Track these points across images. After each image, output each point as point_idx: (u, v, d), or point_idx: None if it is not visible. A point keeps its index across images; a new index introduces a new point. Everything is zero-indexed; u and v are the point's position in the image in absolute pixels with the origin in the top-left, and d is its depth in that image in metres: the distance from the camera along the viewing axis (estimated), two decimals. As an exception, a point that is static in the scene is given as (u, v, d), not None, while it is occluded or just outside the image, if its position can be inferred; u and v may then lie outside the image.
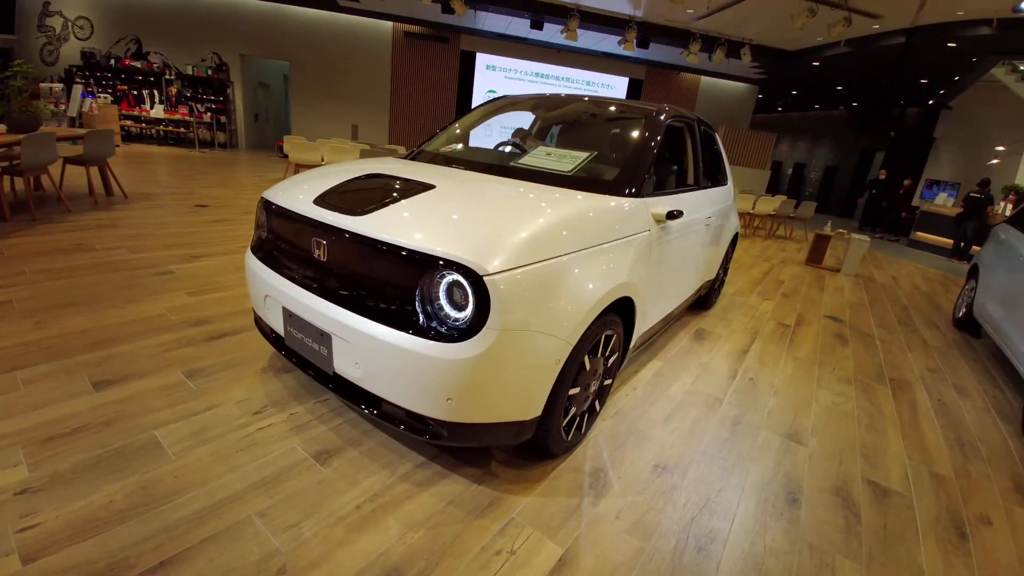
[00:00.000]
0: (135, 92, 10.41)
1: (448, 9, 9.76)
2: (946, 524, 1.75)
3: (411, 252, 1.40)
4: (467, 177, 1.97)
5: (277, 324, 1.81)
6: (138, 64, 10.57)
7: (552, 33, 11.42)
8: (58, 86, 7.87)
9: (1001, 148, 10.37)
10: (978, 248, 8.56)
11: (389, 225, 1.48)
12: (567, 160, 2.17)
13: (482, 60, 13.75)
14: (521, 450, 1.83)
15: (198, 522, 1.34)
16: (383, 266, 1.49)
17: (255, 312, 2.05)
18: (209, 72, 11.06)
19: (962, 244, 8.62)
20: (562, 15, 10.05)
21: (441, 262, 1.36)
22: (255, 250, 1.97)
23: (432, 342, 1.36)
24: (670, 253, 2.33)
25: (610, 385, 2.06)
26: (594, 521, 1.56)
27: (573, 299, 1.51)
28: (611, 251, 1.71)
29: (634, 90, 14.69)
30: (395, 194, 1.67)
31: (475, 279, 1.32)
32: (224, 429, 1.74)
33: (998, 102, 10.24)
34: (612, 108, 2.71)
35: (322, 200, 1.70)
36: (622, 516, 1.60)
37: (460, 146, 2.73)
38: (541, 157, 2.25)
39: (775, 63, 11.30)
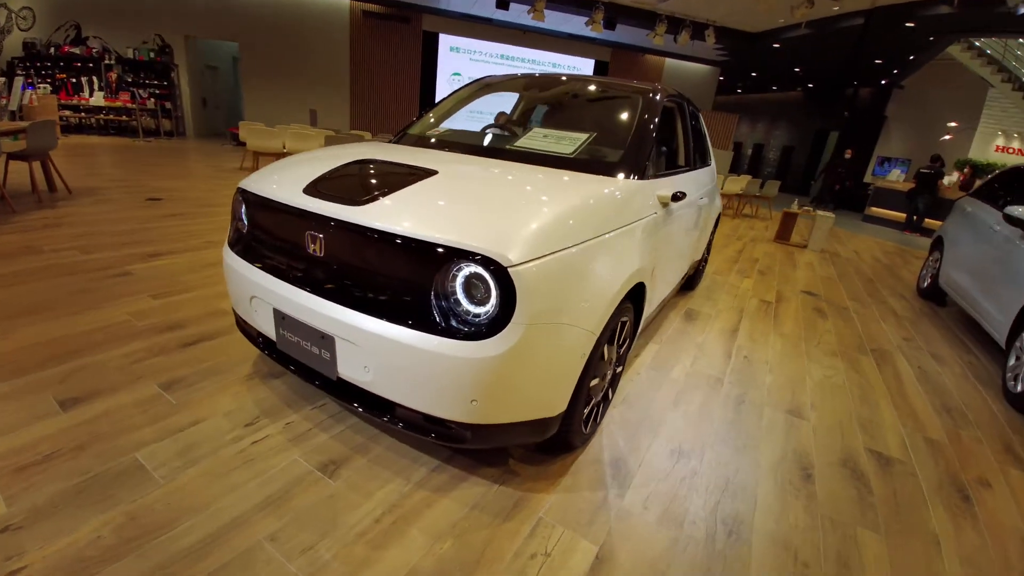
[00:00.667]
0: (74, 80, 9.52)
1: (408, -13, 9.34)
2: (949, 489, 1.82)
3: (425, 244, 1.28)
4: (468, 161, 1.85)
5: (267, 327, 1.66)
6: (76, 50, 9.66)
7: (518, 13, 11.16)
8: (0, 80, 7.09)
9: (953, 124, 10.96)
10: (931, 221, 9.10)
11: (396, 214, 1.35)
12: (566, 142, 2.07)
13: (445, 41, 13.33)
14: (539, 445, 1.76)
15: (201, 554, 1.21)
16: (392, 260, 1.37)
17: (237, 314, 1.87)
18: (151, 55, 10.22)
19: (915, 217, 9.11)
20: (528, -6, 9.83)
21: (460, 254, 1.25)
22: (234, 245, 1.79)
23: (454, 341, 1.26)
24: (670, 235, 2.29)
25: (621, 372, 2.01)
26: (623, 514, 1.51)
27: (597, 288, 1.43)
28: (627, 236, 1.65)
29: (600, 72, 14.63)
30: (396, 181, 1.54)
31: (499, 271, 1.22)
32: (214, 445, 1.59)
33: (950, 80, 10.81)
34: (605, 88, 2.62)
35: (314, 189, 1.54)
36: (649, 506, 1.56)
37: (447, 128, 2.58)
38: (538, 139, 2.15)
39: (738, 45, 11.48)
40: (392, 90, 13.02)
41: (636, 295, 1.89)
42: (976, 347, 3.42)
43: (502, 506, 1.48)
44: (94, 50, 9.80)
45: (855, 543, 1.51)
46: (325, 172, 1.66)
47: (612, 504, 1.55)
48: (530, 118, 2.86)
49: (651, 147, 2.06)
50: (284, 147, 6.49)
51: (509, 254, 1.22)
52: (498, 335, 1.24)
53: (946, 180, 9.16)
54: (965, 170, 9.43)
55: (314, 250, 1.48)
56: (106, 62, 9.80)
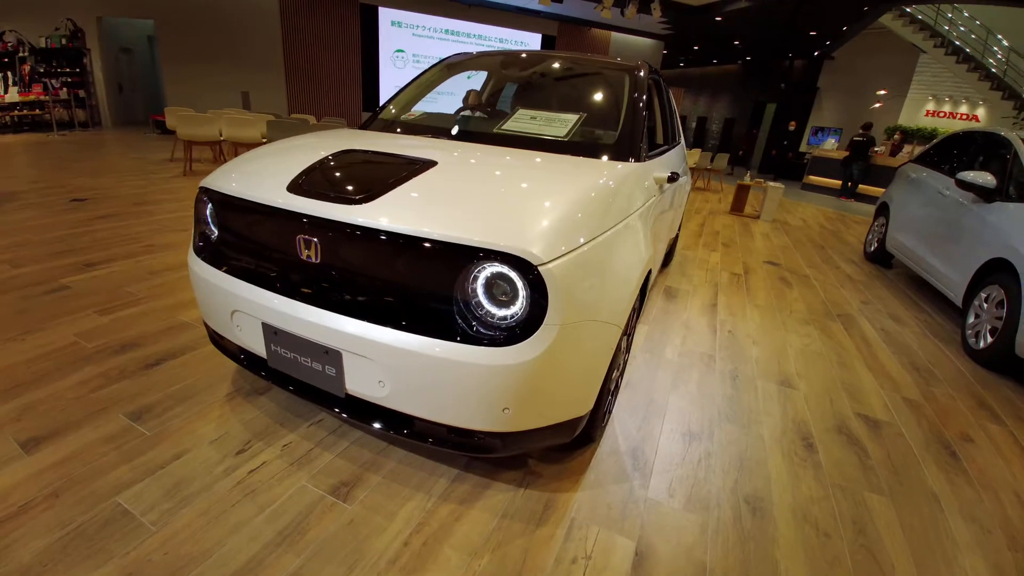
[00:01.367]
0: (-12, 78, 8.29)
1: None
2: (936, 447, 1.95)
3: (445, 245, 1.16)
4: (463, 149, 1.72)
5: (253, 344, 1.49)
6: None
7: (462, -14, 10.72)
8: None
9: (883, 92, 11.69)
10: (864, 187, 9.73)
11: (405, 213, 1.22)
12: (557, 124, 1.98)
13: (386, 15, 12.65)
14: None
15: (218, 607, 1.08)
16: (405, 264, 1.24)
17: (211, 329, 1.68)
18: (63, 41, 9.05)
19: (849, 184, 9.73)
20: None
21: (484, 254, 1.15)
22: (202, 253, 1.58)
23: (485, 348, 1.16)
24: (662, 217, 2.27)
25: (627, 360, 2.00)
26: (651, 505, 1.50)
27: (620, 279, 1.38)
28: (640, 221, 1.60)
29: (548, 46, 14.43)
30: (393, 174, 1.40)
31: (529, 270, 1.13)
32: (206, 480, 1.42)
33: (879, 49, 11.47)
34: (587, 65, 2.53)
35: (299, 186, 1.38)
36: (674, 493, 1.56)
37: (422, 112, 2.41)
38: (526, 121, 2.04)
39: (682, 18, 11.63)
40: (331, 69, 12.26)
41: (644, 280, 1.87)
42: (928, 306, 3.70)
43: (532, 511, 1.43)
44: (10, 44, 8.59)
45: (866, 508, 1.59)
46: (308, 166, 1.48)
47: (638, 495, 1.54)
48: (508, 98, 2.72)
49: (644, 127, 2.01)
50: (221, 135, 5.94)
51: (539, 252, 1.13)
52: (531, 338, 1.16)
53: (880, 148, 9.82)
54: (895, 136, 10.15)
55: (308, 256, 1.32)
56: (20, 55, 8.62)
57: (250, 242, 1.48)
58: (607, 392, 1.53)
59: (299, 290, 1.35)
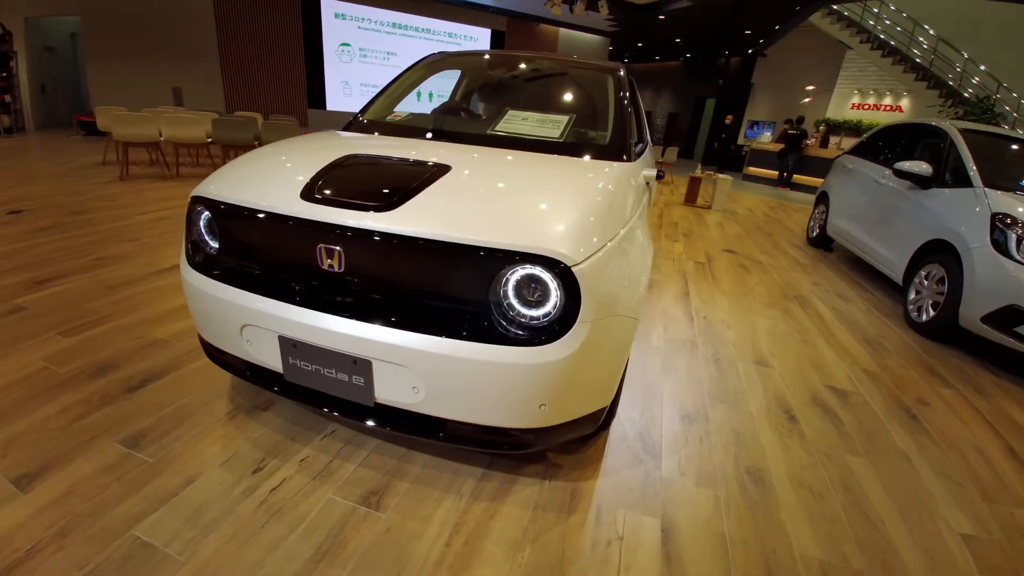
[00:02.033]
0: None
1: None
2: (898, 411, 2.19)
3: (478, 249, 1.19)
4: (469, 152, 1.73)
5: (267, 358, 1.44)
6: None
7: (409, -21, 10.49)
8: None
9: (811, 88, 12.61)
10: (799, 177, 10.48)
11: (435, 218, 1.23)
12: (549, 125, 2.03)
13: (329, 7, 12.17)
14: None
15: (274, 629, 1.05)
16: (437, 269, 1.25)
17: (211, 345, 1.60)
18: None
19: (785, 174, 10.47)
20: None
21: (518, 256, 1.18)
22: (200, 266, 1.51)
23: (521, 348, 1.20)
24: (647, 212, 2.38)
25: (626, 350, 2.09)
26: (666, 484, 1.60)
27: (635, 274, 1.45)
28: (640, 220, 1.68)
29: (497, 42, 14.44)
30: (410, 179, 1.39)
31: (562, 271, 1.18)
32: (227, 503, 1.37)
33: (808, 46, 12.32)
34: (569, 67, 2.59)
35: (314, 194, 1.34)
36: (685, 472, 1.67)
37: (407, 113, 2.38)
38: (517, 122, 2.07)
39: (627, 16, 11.98)
40: (272, 63, 11.65)
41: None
42: (869, 285, 4.09)
43: (560, 501, 1.49)
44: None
45: (849, 471, 1.77)
46: (317, 173, 1.45)
47: (653, 476, 1.63)
48: (490, 99, 2.73)
49: (631, 127, 2.10)
50: (161, 135, 5.52)
51: (571, 252, 1.18)
52: (567, 336, 1.21)
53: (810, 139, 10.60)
54: (820, 128, 11.00)
55: (331, 265, 1.30)
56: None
57: (262, 253, 1.43)
58: (622, 382, 1.61)
59: (321, 300, 1.32)
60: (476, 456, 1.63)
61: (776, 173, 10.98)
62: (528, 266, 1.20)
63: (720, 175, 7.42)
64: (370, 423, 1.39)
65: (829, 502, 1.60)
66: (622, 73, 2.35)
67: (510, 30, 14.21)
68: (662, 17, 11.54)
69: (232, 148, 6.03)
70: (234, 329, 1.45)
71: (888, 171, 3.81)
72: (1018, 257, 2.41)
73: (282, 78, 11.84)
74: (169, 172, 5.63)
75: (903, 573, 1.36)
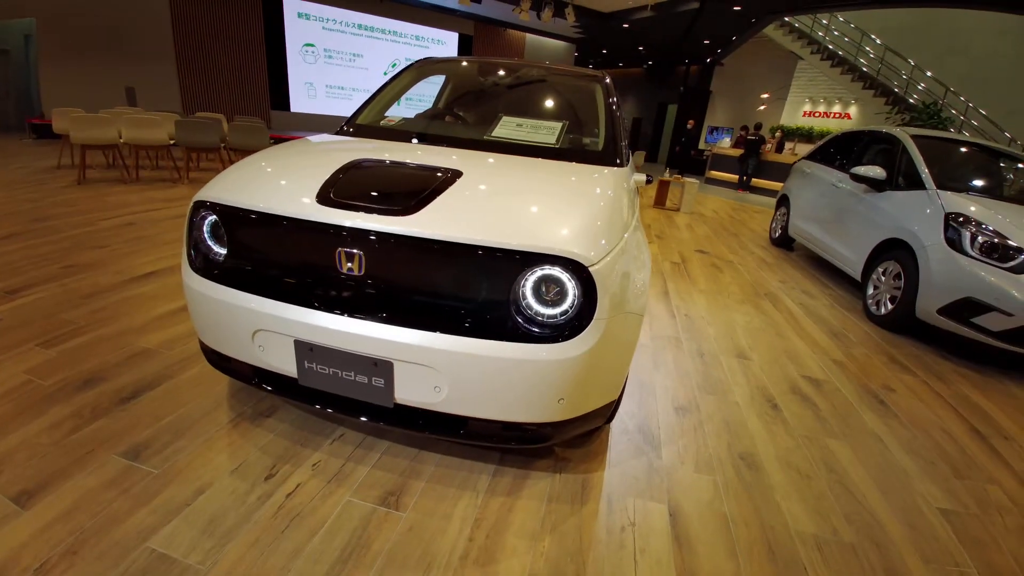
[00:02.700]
0: None
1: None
2: (867, 397, 2.37)
3: (499, 251, 1.23)
4: (475, 157, 1.77)
5: (280, 363, 1.43)
6: None
7: (378, -19, 10.39)
8: None
9: (766, 95, 13.27)
10: (757, 180, 11.00)
11: (456, 222, 1.27)
12: (544, 131, 2.10)
13: (291, 7, 11.89)
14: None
15: (312, 630, 1.06)
16: (459, 271, 1.29)
17: (212, 351, 1.58)
18: None
19: (745, 178, 10.98)
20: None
21: (537, 258, 1.24)
22: (206, 271, 1.48)
23: (542, 345, 1.25)
24: (635, 214, 2.49)
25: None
26: (669, 472, 1.69)
27: (640, 274, 1.53)
28: (637, 222, 1.77)
29: (465, 46, 14.49)
30: (425, 184, 1.43)
31: (579, 271, 1.24)
32: (242, 511, 1.35)
33: (762, 56, 12.96)
34: (556, 74, 2.67)
35: (331, 198, 1.36)
36: (684, 460, 1.76)
37: (401, 118, 2.39)
38: (512, 128, 2.13)
39: (592, 23, 12.29)
40: (231, 63, 11.27)
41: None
42: (830, 281, 4.37)
43: (572, 492, 1.55)
44: None
45: (830, 452, 1.91)
46: (330, 177, 1.46)
47: (656, 465, 1.72)
48: (480, 105, 2.77)
49: (622, 133, 2.19)
50: (120, 137, 5.26)
51: (589, 253, 1.25)
52: (584, 332, 1.27)
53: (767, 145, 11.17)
54: (776, 134, 11.62)
55: (350, 269, 1.31)
56: None
57: (276, 257, 1.43)
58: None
59: (340, 303, 1.34)
60: (487, 453, 1.67)
61: (736, 177, 11.49)
62: (547, 267, 1.26)
63: (687, 179, 7.72)
64: (389, 424, 1.41)
65: (816, 481, 1.73)
66: (608, 81, 2.45)
67: (478, 34, 14.29)
68: (626, 25, 11.90)
69: (195, 151, 5.82)
70: (244, 335, 1.44)
71: (845, 175, 4.09)
72: (972, 253, 2.66)
73: (243, 79, 11.46)
74: (128, 176, 5.37)
75: (890, 545, 1.49)
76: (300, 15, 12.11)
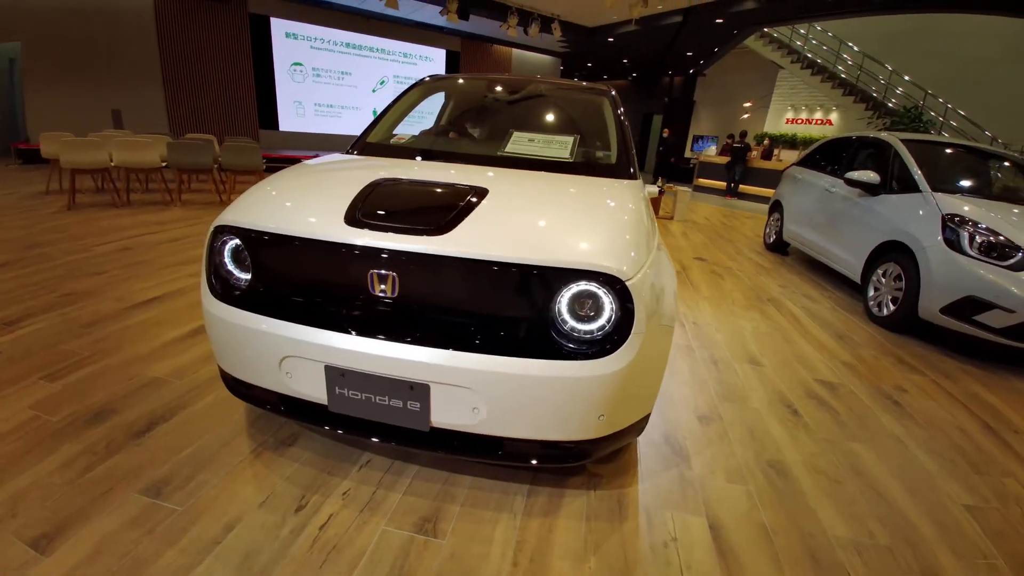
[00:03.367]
0: None
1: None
2: (882, 399, 2.39)
3: (535, 268, 1.23)
4: (498, 174, 1.77)
5: (309, 389, 1.40)
6: None
7: None
8: None
9: (748, 104, 13.60)
10: (744, 187, 11.20)
11: (491, 241, 1.27)
12: (556, 145, 2.11)
13: (279, 27, 11.90)
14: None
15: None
16: (495, 290, 1.28)
17: (234, 379, 1.54)
18: None
19: (733, 185, 11.18)
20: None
21: (575, 274, 1.23)
22: (228, 298, 1.45)
23: (583, 362, 1.24)
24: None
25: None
26: (701, 484, 1.68)
27: (667, 284, 1.54)
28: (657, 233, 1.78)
29: (452, 62, 14.63)
30: (453, 202, 1.42)
31: (617, 286, 1.24)
32: (277, 546, 1.31)
33: (744, 66, 13.30)
34: (561, 88, 2.70)
35: (360, 220, 1.34)
36: (715, 470, 1.75)
37: (411, 136, 2.39)
38: (525, 144, 2.14)
39: (578, 38, 12.51)
40: (219, 83, 11.21)
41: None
42: (828, 284, 4.44)
43: (610, 509, 1.53)
44: None
45: (854, 455, 1.92)
46: (356, 197, 1.44)
47: (687, 477, 1.71)
48: (487, 121, 2.77)
49: (632, 145, 2.22)
50: (112, 160, 5.17)
51: (625, 268, 1.25)
52: (624, 346, 1.26)
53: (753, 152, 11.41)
54: (765, 141, 11.89)
55: (383, 291, 1.29)
56: None
57: (304, 281, 1.40)
58: (657, 388, 1.68)
59: (373, 327, 1.31)
60: (519, 473, 1.64)
61: (724, 184, 11.69)
62: (583, 282, 1.25)
63: (679, 188, 7.83)
64: (424, 449, 1.38)
65: (845, 485, 1.73)
66: (614, 94, 2.48)
67: (465, 51, 14.46)
68: (611, 39, 12.14)
69: (188, 172, 5.74)
70: (271, 362, 1.40)
71: (838, 180, 4.18)
72: (971, 252, 2.73)
73: (231, 98, 11.40)
74: (120, 199, 5.27)
75: (923, 544, 1.49)
76: (288, 35, 12.13)
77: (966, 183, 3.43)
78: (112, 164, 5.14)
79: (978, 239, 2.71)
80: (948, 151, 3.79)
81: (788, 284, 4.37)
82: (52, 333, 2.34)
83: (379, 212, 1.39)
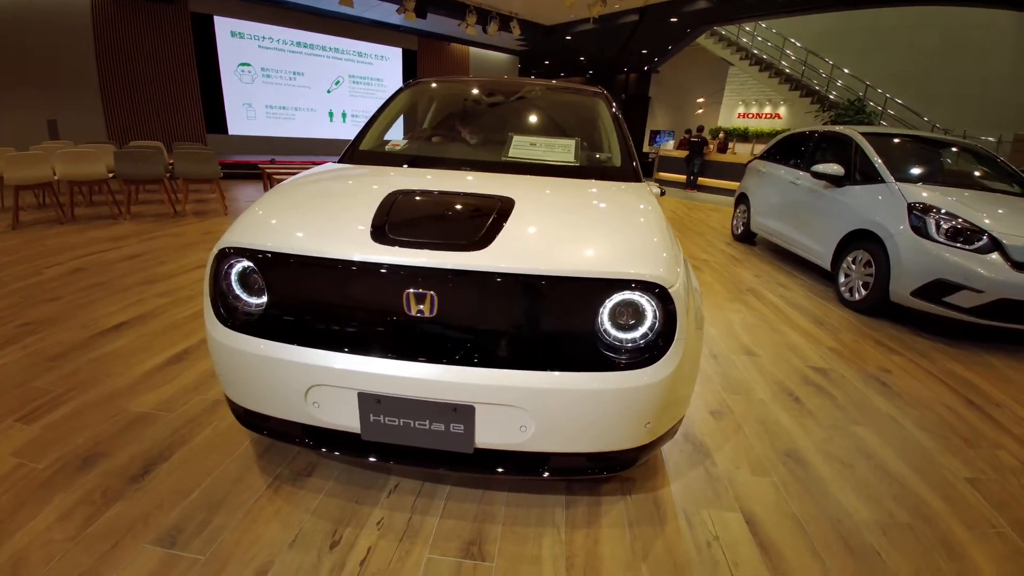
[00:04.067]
0: None
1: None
2: (871, 381, 2.53)
3: (579, 280, 1.21)
4: (513, 181, 1.73)
5: (339, 419, 1.32)
6: None
7: (316, -3, 10.09)
8: None
9: (701, 100, 14.10)
10: (704, 179, 11.59)
11: (532, 254, 1.24)
12: (559, 149, 2.10)
13: (224, 25, 11.27)
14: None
15: None
16: (540, 304, 1.25)
17: (249, 413, 1.44)
18: None
19: (692, 177, 11.57)
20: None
21: (619, 284, 1.22)
22: (242, 326, 1.34)
23: (631, 372, 1.23)
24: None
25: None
26: (729, 479, 1.71)
27: (694, 284, 1.55)
28: (675, 235, 1.80)
29: (409, 61, 14.34)
30: (482, 214, 1.37)
31: (661, 293, 1.24)
32: (317, 585, 1.23)
33: (695, 64, 13.77)
34: (554, 90, 2.68)
35: (389, 236, 1.27)
36: (739, 465, 1.80)
37: (405, 142, 2.31)
38: (526, 148, 2.11)
39: (536, 36, 12.55)
40: (161, 88, 10.53)
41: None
42: (798, 272, 4.66)
43: (649, 513, 1.53)
44: None
45: (860, 438, 2.01)
46: (377, 213, 1.37)
47: (714, 473, 1.74)
48: (481, 126, 2.71)
49: (632, 147, 2.23)
50: (55, 174, 4.73)
51: (668, 276, 1.25)
52: (668, 354, 1.26)
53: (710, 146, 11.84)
54: (720, 135, 12.38)
55: (420, 311, 1.23)
56: None
57: (331, 305, 1.31)
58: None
59: (411, 349, 1.25)
60: (554, 484, 1.62)
61: (684, 177, 12.08)
62: (627, 292, 1.24)
63: (648, 182, 8.01)
64: (466, 471, 1.33)
65: (857, 469, 1.81)
66: (607, 94, 2.49)
67: (422, 50, 14.20)
68: (568, 37, 12.26)
69: (137, 183, 5.34)
70: (296, 392, 1.31)
71: (803, 173, 4.40)
72: (938, 238, 2.93)
73: (174, 103, 10.71)
74: (65, 215, 4.83)
75: (937, 519, 1.58)
76: (234, 34, 11.50)
77: (926, 172, 3.68)
78: (56, 177, 4.69)
79: (944, 225, 2.92)
80: (906, 142, 4.05)
81: (762, 274, 4.56)
82: (18, 369, 2.11)
83: (406, 227, 1.32)
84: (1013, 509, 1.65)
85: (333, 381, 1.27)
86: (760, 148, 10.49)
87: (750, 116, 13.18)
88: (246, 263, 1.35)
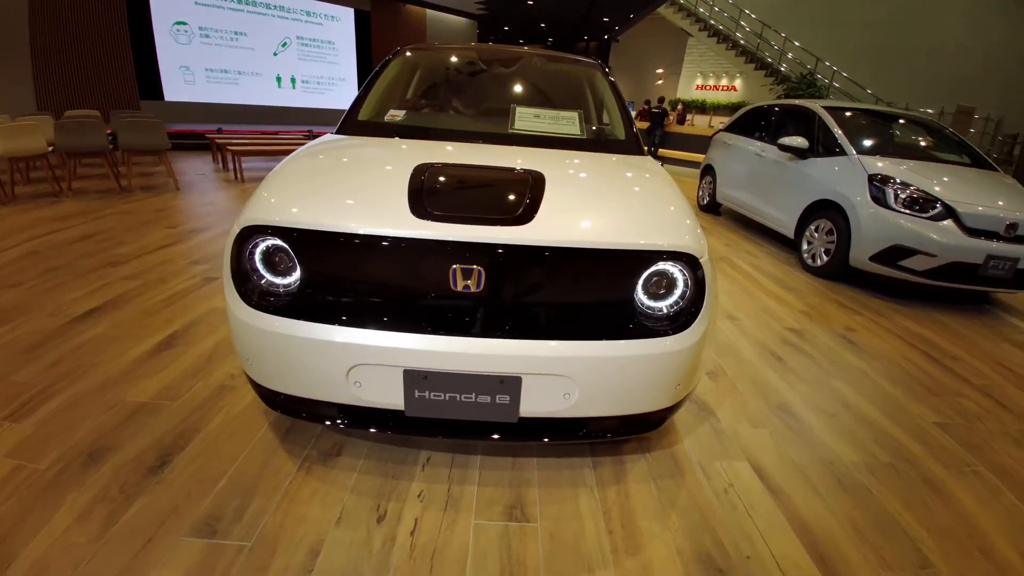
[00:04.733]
0: None
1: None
2: (838, 339, 2.77)
3: (620, 252, 1.26)
4: (539, 155, 1.72)
5: (382, 397, 1.33)
6: None
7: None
8: None
9: (660, 71, 14.23)
10: (665, 151, 11.85)
11: (574, 227, 1.28)
12: (564, 121, 2.11)
13: (153, -21, 10.12)
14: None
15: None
16: (582, 276, 1.29)
17: (285, 396, 1.41)
18: None
19: (652, 148, 11.78)
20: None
21: (656, 255, 1.28)
22: (279, 308, 1.30)
23: (667, 338, 1.31)
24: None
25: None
26: (733, 432, 1.86)
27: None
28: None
29: (361, 22, 13.51)
30: (520, 188, 1.38)
31: (692, 263, 1.31)
32: (377, 562, 1.25)
33: (655, 33, 13.80)
34: (551, 61, 2.65)
35: (430, 212, 1.26)
36: (739, 420, 1.95)
37: (405, 113, 2.22)
38: (531, 120, 2.10)
39: (497, 0, 12.15)
40: (90, 52, 9.41)
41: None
42: (762, 240, 4.93)
43: (669, 467, 1.65)
44: None
45: (838, 391, 2.23)
46: (411, 187, 1.35)
47: (720, 428, 1.88)
48: (481, 95, 2.63)
49: (632, 119, 2.27)
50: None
51: (699, 247, 1.32)
52: (698, 319, 1.35)
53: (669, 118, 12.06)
54: (679, 107, 12.61)
55: (467, 286, 1.24)
56: None
57: (370, 282, 1.30)
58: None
59: (458, 324, 1.26)
60: (579, 448, 1.70)
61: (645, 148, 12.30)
62: (662, 263, 1.30)
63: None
64: (510, 440, 1.38)
65: (840, 418, 2.02)
66: (601, 63, 2.49)
67: (375, 10, 13.39)
68: (531, 2, 11.94)
69: (78, 156, 4.84)
70: (337, 373, 1.30)
71: (768, 145, 4.61)
72: (895, 207, 3.19)
73: (103, 67, 9.63)
74: (5, 195, 4.32)
75: (916, 459, 1.80)
76: (163, -11, 10.38)
77: (884, 144, 3.95)
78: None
79: (901, 195, 3.18)
80: (865, 115, 4.32)
81: (731, 243, 4.80)
82: (-10, 365, 1.94)
83: (445, 202, 1.31)
84: (984, 451, 1.89)
85: (377, 360, 1.26)
86: (718, 120, 10.78)
87: (708, 88, 13.49)
88: (274, 241, 1.30)
